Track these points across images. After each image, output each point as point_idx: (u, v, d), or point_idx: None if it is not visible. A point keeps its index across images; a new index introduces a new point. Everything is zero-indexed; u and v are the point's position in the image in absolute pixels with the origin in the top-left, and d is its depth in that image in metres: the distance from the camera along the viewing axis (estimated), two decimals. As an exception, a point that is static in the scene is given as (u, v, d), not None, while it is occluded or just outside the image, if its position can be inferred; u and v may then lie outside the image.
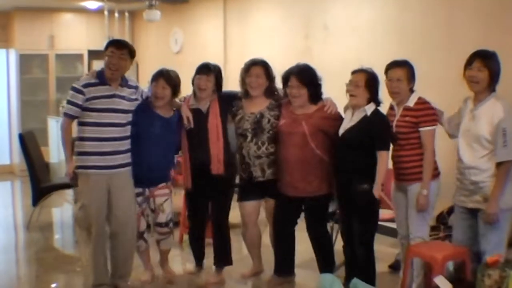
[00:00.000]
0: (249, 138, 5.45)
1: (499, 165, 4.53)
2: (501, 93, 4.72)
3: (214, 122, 5.53)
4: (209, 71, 5.56)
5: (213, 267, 5.86)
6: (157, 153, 5.42)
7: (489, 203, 4.55)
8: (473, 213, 4.74)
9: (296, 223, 5.50)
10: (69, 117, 5.20)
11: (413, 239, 5.06)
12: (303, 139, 5.21)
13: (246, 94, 5.56)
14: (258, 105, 5.49)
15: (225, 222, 5.77)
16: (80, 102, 5.11)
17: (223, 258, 5.81)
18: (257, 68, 5.48)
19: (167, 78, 5.41)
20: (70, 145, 5.22)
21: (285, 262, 5.59)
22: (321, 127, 5.21)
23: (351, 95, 5.00)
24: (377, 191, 4.87)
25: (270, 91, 5.53)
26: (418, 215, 4.99)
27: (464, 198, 4.77)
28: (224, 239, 5.77)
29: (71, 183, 5.14)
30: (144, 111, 5.39)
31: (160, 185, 5.53)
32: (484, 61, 4.60)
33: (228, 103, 5.62)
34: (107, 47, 5.25)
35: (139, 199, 5.49)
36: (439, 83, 6.26)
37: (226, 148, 5.57)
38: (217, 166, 5.53)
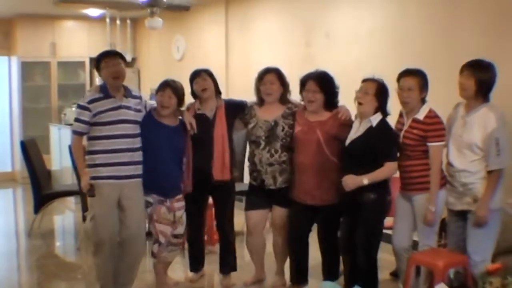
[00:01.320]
0: (262, 146, 5.47)
1: (490, 172, 4.66)
2: (500, 100, 4.79)
3: (220, 131, 5.59)
4: (199, 73, 5.69)
5: (220, 274, 5.93)
6: (170, 161, 5.45)
7: (479, 206, 4.67)
8: (462, 215, 4.85)
9: (310, 230, 5.48)
10: (78, 134, 5.24)
11: (422, 247, 5.07)
12: (318, 146, 5.21)
13: (261, 102, 5.60)
14: (272, 113, 5.52)
15: (228, 228, 5.81)
16: (87, 119, 5.15)
17: (228, 263, 5.87)
18: (271, 75, 5.54)
19: (173, 89, 5.46)
20: (83, 159, 5.24)
21: (301, 270, 5.56)
22: (335, 134, 5.21)
23: (359, 103, 4.99)
24: (353, 179, 4.86)
25: (284, 97, 5.57)
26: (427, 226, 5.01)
27: (454, 201, 4.87)
28: (228, 244, 5.82)
29: (89, 195, 5.15)
30: (150, 123, 5.42)
31: (178, 197, 5.56)
32: (471, 70, 4.73)
33: (235, 112, 5.68)
34: (99, 61, 5.26)
35: (163, 208, 5.48)
36: (439, 91, 6.26)
37: (231, 155, 5.63)
38: (221, 172, 5.58)
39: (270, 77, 5.52)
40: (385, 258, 5.97)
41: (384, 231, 5.26)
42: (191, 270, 6.06)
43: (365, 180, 4.83)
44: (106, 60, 5.23)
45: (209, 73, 5.72)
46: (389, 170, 4.90)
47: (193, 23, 11.09)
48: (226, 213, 5.79)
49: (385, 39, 7.32)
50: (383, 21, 7.37)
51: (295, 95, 5.55)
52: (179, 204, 5.57)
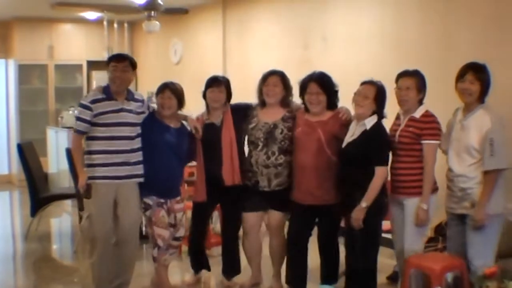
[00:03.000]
0: (260, 147, 5.47)
1: (486, 173, 4.65)
2: (495, 103, 4.81)
3: (227, 135, 5.60)
4: (220, 83, 5.69)
5: (223, 277, 5.95)
6: (172, 162, 5.51)
7: (476, 209, 4.66)
8: (461, 219, 4.84)
9: (310, 234, 5.44)
10: (79, 133, 5.31)
11: (407, 252, 5.05)
12: (319, 145, 5.19)
13: (262, 104, 5.61)
14: (273, 115, 5.52)
15: (234, 233, 5.84)
16: (88, 118, 5.22)
17: (235, 267, 5.92)
18: (275, 77, 5.55)
19: (172, 89, 5.53)
20: (81, 159, 5.31)
21: (300, 274, 5.49)
22: (335, 133, 5.20)
23: (357, 105, 4.99)
24: (358, 212, 4.82)
25: (286, 101, 5.57)
26: (415, 229, 4.99)
27: (454, 205, 4.87)
28: (234, 248, 5.85)
29: (85, 196, 5.25)
30: (154, 123, 5.49)
31: (178, 198, 5.62)
32: (476, 74, 4.71)
33: (241, 114, 5.67)
34: (108, 62, 5.37)
35: (162, 211, 5.51)
36: (436, 94, 6.28)
37: (241, 159, 5.62)
38: (232, 177, 5.58)
39: (274, 79, 5.53)
40: (382, 262, 5.95)
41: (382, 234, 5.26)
42: (195, 270, 6.04)
43: (363, 204, 4.81)
44: (115, 64, 5.31)
45: (226, 85, 5.74)
46: (380, 177, 4.86)
47: (190, 26, 11.10)
48: (234, 218, 5.77)
49: (382, 42, 7.33)
50: (380, 24, 7.38)
51: (294, 98, 5.54)
52: (179, 206, 5.63)
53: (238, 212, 5.73)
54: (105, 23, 9.81)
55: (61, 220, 9.33)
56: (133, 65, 5.42)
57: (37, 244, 7.80)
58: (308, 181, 5.24)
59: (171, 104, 5.49)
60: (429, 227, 5.26)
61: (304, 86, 5.32)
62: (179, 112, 5.65)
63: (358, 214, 4.84)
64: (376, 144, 4.90)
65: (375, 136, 4.92)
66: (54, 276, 6.59)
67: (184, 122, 5.67)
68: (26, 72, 12.09)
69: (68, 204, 9.40)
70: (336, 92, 5.35)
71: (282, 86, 5.52)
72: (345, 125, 5.19)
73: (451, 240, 5.04)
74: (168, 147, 5.47)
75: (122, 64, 5.31)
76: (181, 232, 5.67)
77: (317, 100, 5.24)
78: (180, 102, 5.57)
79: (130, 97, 5.39)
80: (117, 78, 5.27)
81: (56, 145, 10.64)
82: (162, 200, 5.51)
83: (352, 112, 5.18)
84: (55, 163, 10.57)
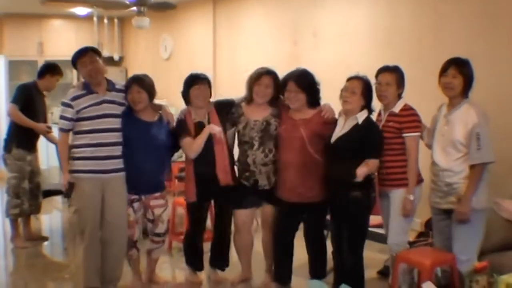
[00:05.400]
0: (256, 146, 5.44)
1: (472, 167, 4.70)
2: (480, 99, 4.85)
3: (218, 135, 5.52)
4: (203, 80, 5.62)
5: (216, 269, 5.99)
6: (147, 157, 5.43)
7: (461, 203, 4.71)
8: (447, 213, 4.89)
9: (296, 229, 5.46)
10: (63, 131, 5.32)
11: (391, 246, 5.12)
12: (302, 144, 5.20)
13: (250, 100, 5.55)
14: (261, 112, 5.49)
15: (228, 228, 5.84)
16: (70, 116, 5.24)
17: (226, 260, 5.94)
18: (268, 78, 5.46)
19: (140, 83, 5.44)
20: (66, 158, 5.31)
21: (285, 270, 5.54)
22: (318, 132, 5.21)
23: (345, 101, 5.00)
24: (361, 169, 4.74)
25: (274, 100, 5.52)
26: (399, 221, 5.06)
27: (439, 200, 4.92)
28: (228, 242, 5.87)
29: (66, 195, 5.24)
30: (128, 118, 5.43)
31: (156, 194, 5.56)
32: (458, 68, 4.79)
33: (225, 112, 5.62)
34: (74, 62, 5.35)
35: (136, 205, 5.52)
36: (426, 90, 6.28)
37: (230, 157, 5.61)
38: (225, 177, 5.54)
39: (267, 80, 5.44)
40: (372, 257, 5.99)
41: (370, 229, 5.28)
42: (193, 269, 6.00)
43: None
44: (81, 61, 5.31)
45: (209, 82, 5.68)
46: (375, 164, 4.90)
47: (180, 22, 11.09)
48: (227, 214, 5.78)
49: (372, 38, 7.34)
50: (370, 20, 7.39)
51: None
52: (157, 202, 5.58)
53: (230, 208, 5.72)
54: (95, 19, 9.75)
55: (52, 216, 9.31)
56: (97, 53, 5.41)
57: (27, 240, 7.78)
58: (291, 179, 5.26)
59: (141, 98, 5.41)
60: (413, 221, 5.27)
61: (284, 83, 5.34)
62: (154, 102, 5.59)
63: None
64: (370, 139, 4.93)
65: (369, 130, 4.96)
66: (45, 273, 6.59)
67: (160, 112, 5.61)
68: (16, 68, 12.08)
69: (58, 200, 9.39)
70: (318, 89, 5.34)
71: (274, 87, 5.45)
72: (328, 123, 5.21)
73: (438, 235, 5.09)
74: (143, 141, 5.41)
75: (87, 56, 5.31)
76: (161, 228, 5.64)
77: (295, 98, 5.25)
78: (151, 94, 5.49)
79: (111, 87, 5.38)
80: (90, 71, 5.27)
81: (46, 141, 10.57)
82: (135, 197, 5.49)
83: (338, 110, 5.19)
84: (45, 159, 10.50)
